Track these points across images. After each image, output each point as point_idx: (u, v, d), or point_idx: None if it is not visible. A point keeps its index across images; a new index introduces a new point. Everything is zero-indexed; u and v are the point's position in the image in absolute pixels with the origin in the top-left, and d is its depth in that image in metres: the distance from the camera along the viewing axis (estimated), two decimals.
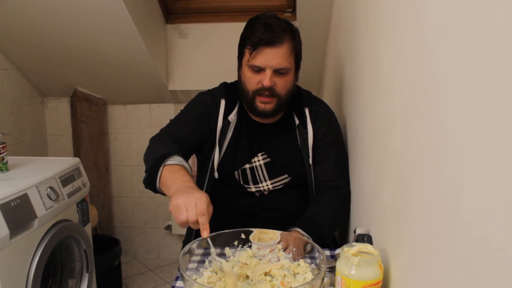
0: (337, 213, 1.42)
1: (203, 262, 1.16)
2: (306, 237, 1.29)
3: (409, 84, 0.84)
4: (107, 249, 2.55)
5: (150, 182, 1.29)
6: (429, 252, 0.75)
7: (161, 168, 1.26)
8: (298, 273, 1.07)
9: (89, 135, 3.04)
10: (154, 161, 1.29)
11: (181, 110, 1.55)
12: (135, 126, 3.13)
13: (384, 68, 1.06)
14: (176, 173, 1.24)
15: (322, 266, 1.05)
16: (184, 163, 1.29)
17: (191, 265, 1.17)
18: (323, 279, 0.97)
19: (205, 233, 1.07)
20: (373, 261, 0.93)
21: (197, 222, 1.06)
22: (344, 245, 1.00)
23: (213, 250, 1.09)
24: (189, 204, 1.06)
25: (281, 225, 1.31)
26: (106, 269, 2.48)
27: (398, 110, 0.92)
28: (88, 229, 2.12)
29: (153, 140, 1.45)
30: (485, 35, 0.52)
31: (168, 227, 3.19)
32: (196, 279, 1.07)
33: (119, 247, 2.60)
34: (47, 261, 1.76)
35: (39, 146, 3.06)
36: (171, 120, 1.53)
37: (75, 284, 2.04)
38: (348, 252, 0.97)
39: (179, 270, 1.15)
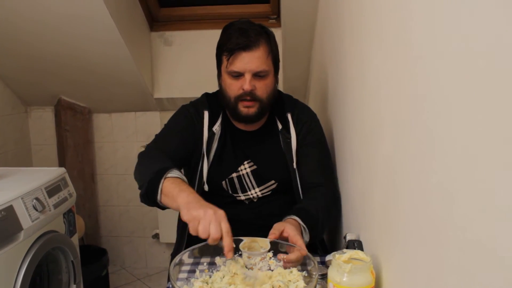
0: (328, 206, 1.41)
1: (194, 271, 1.15)
2: (302, 226, 1.28)
3: (397, 89, 0.84)
4: (95, 259, 2.52)
5: (150, 195, 1.28)
6: (420, 256, 0.75)
7: (162, 180, 1.25)
8: (290, 281, 1.06)
9: (74, 144, 3.01)
10: (152, 175, 1.28)
11: (165, 125, 1.54)
12: (121, 135, 3.10)
13: (370, 73, 1.06)
14: (181, 185, 1.24)
15: (314, 273, 1.05)
16: (184, 178, 1.29)
17: (181, 275, 1.16)
18: (315, 286, 0.97)
19: (230, 254, 1.07)
20: (364, 268, 0.93)
21: (218, 239, 1.07)
22: (335, 252, 1.00)
23: (228, 269, 1.12)
24: (213, 219, 1.07)
25: None
26: (93, 279, 2.45)
27: (386, 115, 0.92)
28: (75, 239, 2.09)
29: (144, 156, 1.43)
30: (473, 37, 0.53)
31: (156, 236, 3.16)
32: None
33: (106, 257, 2.58)
34: (33, 273, 1.73)
35: (23, 156, 3.02)
36: (156, 136, 1.52)
37: None
38: (340, 259, 0.97)
39: (169, 280, 1.15)
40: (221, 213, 1.10)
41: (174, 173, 1.28)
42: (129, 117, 3.07)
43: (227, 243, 1.06)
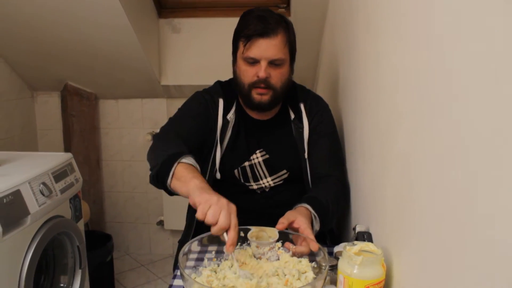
0: (337, 196, 1.40)
1: (201, 260, 1.15)
2: (313, 215, 1.27)
3: (416, 83, 0.83)
4: (99, 244, 2.52)
5: (161, 176, 1.26)
6: (434, 252, 0.74)
7: (175, 164, 1.23)
8: (304, 273, 1.06)
9: (80, 129, 3.01)
10: (166, 157, 1.26)
11: (180, 109, 1.53)
12: (127, 121, 3.10)
13: (387, 67, 1.05)
14: (194, 172, 1.22)
15: (324, 264, 1.05)
16: (198, 167, 1.27)
17: (189, 263, 1.16)
18: (325, 279, 0.96)
19: (232, 249, 1.05)
20: (376, 260, 0.93)
21: (223, 229, 1.04)
22: (346, 244, 0.99)
23: (236, 264, 1.08)
24: (224, 208, 1.05)
25: None
26: (98, 265, 2.46)
27: (403, 109, 0.91)
28: (80, 225, 2.09)
29: (160, 138, 1.42)
30: (497, 31, 0.52)
31: (160, 223, 3.17)
32: (195, 278, 1.06)
33: (111, 242, 2.58)
34: (39, 258, 1.74)
35: (29, 141, 3.02)
36: (170, 119, 1.50)
37: (68, 281, 2.01)
38: (350, 251, 0.97)
39: (177, 268, 1.15)
40: (233, 206, 1.08)
41: (189, 160, 1.26)
42: (136, 104, 3.06)
43: (232, 236, 1.04)
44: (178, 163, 1.24)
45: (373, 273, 0.92)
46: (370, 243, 0.99)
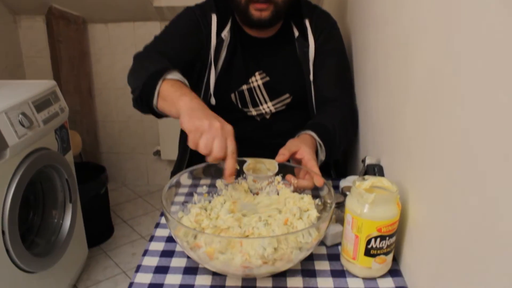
0: (345, 123, 1.26)
1: (192, 195, 1.03)
2: (318, 143, 1.13)
3: None
4: (93, 176, 2.42)
5: (145, 98, 1.11)
6: (456, 190, 0.63)
7: (160, 81, 1.07)
8: (306, 211, 0.93)
9: (68, 56, 2.82)
10: (149, 75, 1.10)
11: (167, 26, 1.35)
12: (119, 47, 2.90)
13: None
14: (182, 88, 1.06)
15: (329, 202, 0.92)
16: (186, 82, 1.11)
17: (177, 198, 1.03)
18: (330, 218, 0.84)
19: (231, 179, 0.93)
20: (390, 199, 0.80)
21: (220, 159, 0.90)
22: (355, 178, 0.86)
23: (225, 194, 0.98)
24: (218, 134, 0.90)
25: None
26: (92, 197, 2.37)
27: (429, 23, 0.74)
28: (69, 157, 1.97)
29: (139, 57, 1.26)
30: None
31: (157, 153, 3.06)
32: (182, 216, 0.94)
33: (105, 174, 2.47)
34: (27, 192, 1.63)
35: (15, 70, 2.84)
36: (155, 37, 1.33)
37: (59, 215, 1.92)
38: (361, 187, 0.83)
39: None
40: (229, 128, 0.92)
41: (175, 75, 1.10)
42: (127, 28, 2.85)
43: (230, 165, 0.91)
44: (163, 80, 1.08)
45: (386, 213, 0.80)
46: (383, 178, 0.85)
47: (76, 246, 2.04)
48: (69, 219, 1.93)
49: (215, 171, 1.06)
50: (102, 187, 2.45)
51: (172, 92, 1.04)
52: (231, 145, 0.91)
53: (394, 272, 0.87)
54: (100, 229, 2.54)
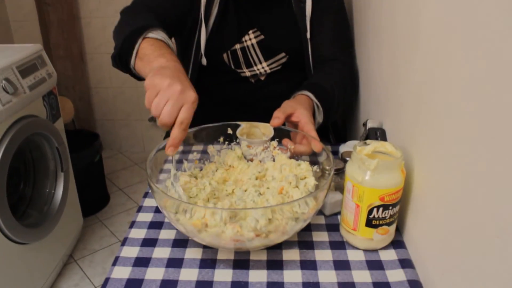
0: (344, 83, 1.18)
1: (182, 162, 0.96)
2: (315, 104, 1.06)
3: None
4: (87, 144, 2.35)
5: (123, 56, 1.01)
6: (469, 153, 0.57)
7: (139, 39, 0.98)
8: (303, 179, 0.87)
9: (57, 20, 2.71)
10: (129, 32, 1.01)
11: None
12: (110, 9, 2.78)
13: None
14: (163, 48, 0.95)
15: (328, 168, 0.85)
16: (170, 42, 1.02)
17: (167, 166, 0.97)
18: (329, 187, 0.77)
19: (171, 150, 0.78)
20: (394, 165, 0.73)
21: (168, 126, 0.78)
22: (356, 143, 0.79)
23: (173, 172, 0.85)
24: (174, 97, 0.76)
25: None
26: (86, 165, 2.31)
27: None
28: (59, 124, 1.90)
29: (126, 12, 1.16)
30: None
31: (152, 119, 2.99)
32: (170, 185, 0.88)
33: (99, 141, 2.40)
34: (16, 162, 1.57)
35: (2, 35, 2.73)
36: None
37: (51, 185, 1.87)
38: (362, 153, 0.77)
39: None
40: (190, 95, 0.78)
41: (157, 34, 1.01)
42: None
43: (173, 135, 0.77)
44: (144, 38, 0.99)
45: (390, 181, 0.73)
46: (386, 143, 0.78)
47: (70, 216, 2.00)
48: (61, 189, 1.88)
49: (206, 135, 0.99)
50: (96, 155, 2.38)
51: (150, 52, 0.94)
52: (183, 113, 0.77)
53: (397, 243, 0.81)
54: (95, 197, 2.49)
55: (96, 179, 2.46)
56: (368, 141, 0.79)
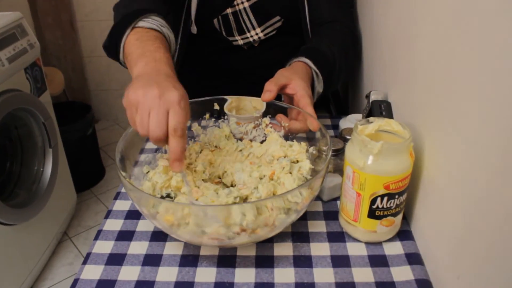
0: (345, 47, 1.06)
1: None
2: (314, 71, 0.94)
3: None
4: (79, 117, 2.25)
5: (113, 48, 0.89)
6: (487, 131, 0.47)
7: (128, 30, 0.85)
8: (296, 162, 0.76)
9: None
10: (120, 18, 0.89)
11: None
12: None
13: None
14: (147, 44, 0.82)
15: (325, 150, 0.75)
16: (163, 30, 0.88)
17: (148, 146, 0.87)
18: (325, 173, 0.67)
19: (177, 166, 0.65)
20: (401, 148, 0.62)
21: (163, 140, 0.64)
22: (357, 122, 0.68)
23: (188, 190, 0.72)
24: (154, 105, 0.64)
25: None
26: (78, 139, 2.21)
27: None
28: (45, 97, 1.79)
29: None
30: None
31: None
32: (148, 171, 0.78)
33: (91, 113, 2.30)
34: (1, 139, 1.47)
35: None
36: None
37: (39, 162, 1.78)
38: (364, 133, 0.66)
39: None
40: (172, 95, 0.65)
41: (149, 22, 0.87)
42: None
43: (173, 146, 0.64)
44: (132, 29, 0.85)
45: (396, 166, 0.63)
46: (392, 120, 0.67)
47: (62, 193, 1.92)
48: (50, 166, 1.79)
49: (194, 112, 0.88)
50: (89, 127, 2.28)
51: (135, 48, 0.81)
52: (172, 119, 0.64)
53: (403, 234, 0.72)
54: (89, 171, 2.41)
55: (89, 153, 2.37)
56: (371, 118, 0.69)
